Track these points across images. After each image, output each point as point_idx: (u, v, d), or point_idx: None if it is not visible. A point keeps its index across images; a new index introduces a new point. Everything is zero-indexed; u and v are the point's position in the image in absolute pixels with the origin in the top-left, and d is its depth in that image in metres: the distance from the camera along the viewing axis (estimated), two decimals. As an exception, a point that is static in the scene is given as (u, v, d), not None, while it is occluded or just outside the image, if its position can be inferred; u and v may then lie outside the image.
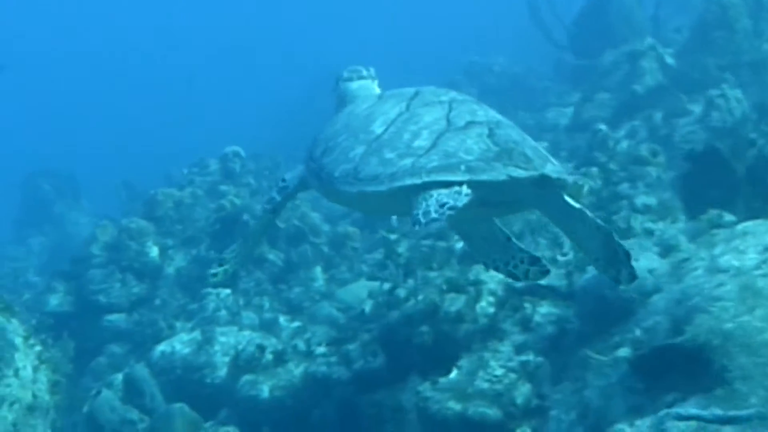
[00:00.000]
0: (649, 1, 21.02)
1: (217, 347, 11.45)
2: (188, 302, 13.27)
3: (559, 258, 9.48)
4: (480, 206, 5.82)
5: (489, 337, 8.80)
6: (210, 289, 12.92)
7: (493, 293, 9.16)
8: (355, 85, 7.41)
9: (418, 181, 5.57)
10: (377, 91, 7.40)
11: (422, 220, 5.33)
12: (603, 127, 12.19)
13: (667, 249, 8.63)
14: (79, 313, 13.33)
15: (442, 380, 8.41)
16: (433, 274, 9.54)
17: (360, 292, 12.67)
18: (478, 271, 9.32)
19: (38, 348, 9.01)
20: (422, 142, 5.82)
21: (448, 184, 5.50)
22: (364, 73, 7.53)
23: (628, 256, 5.88)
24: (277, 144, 25.80)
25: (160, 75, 52.25)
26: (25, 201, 29.15)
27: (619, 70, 16.16)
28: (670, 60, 15.54)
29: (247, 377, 10.38)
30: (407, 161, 5.69)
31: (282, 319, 12.58)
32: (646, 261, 8.21)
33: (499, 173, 5.55)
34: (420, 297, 9.07)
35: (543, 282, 8.95)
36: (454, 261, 9.91)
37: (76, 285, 13.64)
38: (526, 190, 5.76)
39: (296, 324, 12.35)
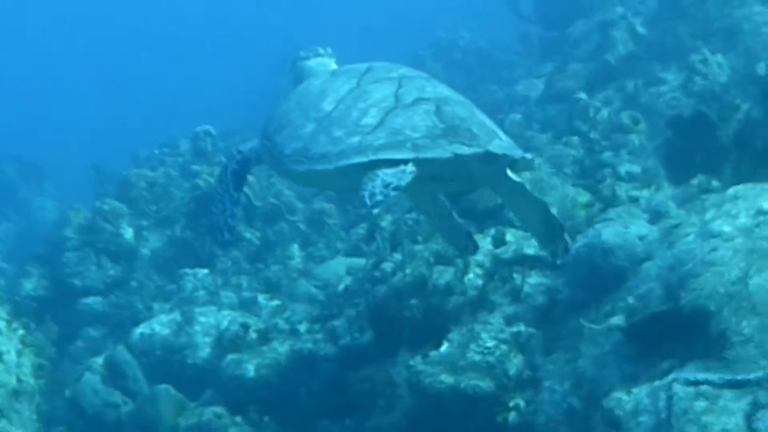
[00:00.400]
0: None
1: (197, 327, 11.35)
2: (165, 283, 13.16)
3: (546, 228, 9.41)
4: (431, 182, 5.97)
5: (479, 309, 8.71)
6: (187, 270, 12.85)
7: (480, 265, 9.07)
8: (312, 62, 7.52)
9: (364, 159, 5.71)
10: (333, 68, 7.45)
11: (368, 202, 5.45)
12: (583, 95, 12.17)
13: (656, 216, 8.55)
14: (55, 297, 13.14)
15: (433, 353, 8.31)
16: (419, 247, 9.43)
17: (338, 268, 12.62)
18: (465, 243, 9.22)
19: (21, 332, 8.93)
20: (370, 119, 5.92)
21: (394, 162, 5.63)
22: (321, 51, 7.64)
23: (562, 230, 6.30)
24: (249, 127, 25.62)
25: (127, 60, 51.67)
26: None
27: (590, 40, 16.07)
28: (641, 29, 15.47)
29: (231, 356, 10.24)
30: (354, 139, 5.82)
31: (261, 297, 12.49)
32: (635, 228, 8.11)
33: (444, 150, 5.67)
34: (408, 270, 8.96)
35: (530, 252, 8.94)
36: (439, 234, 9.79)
37: (51, 269, 13.45)
38: (474, 166, 5.89)
39: (275, 302, 12.22)
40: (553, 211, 6.99)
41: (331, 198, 14.27)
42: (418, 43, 27.48)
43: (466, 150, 5.71)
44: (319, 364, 9.60)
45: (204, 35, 53.83)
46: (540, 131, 15.13)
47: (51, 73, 51.36)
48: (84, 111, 43.59)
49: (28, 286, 13.16)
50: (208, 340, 11.21)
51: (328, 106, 6.25)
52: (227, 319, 11.42)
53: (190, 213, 13.51)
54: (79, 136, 38.54)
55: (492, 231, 9.43)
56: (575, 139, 10.81)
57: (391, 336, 9.12)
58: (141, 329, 11.61)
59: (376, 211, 5.62)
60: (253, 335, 10.45)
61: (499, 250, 9.17)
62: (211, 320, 11.45)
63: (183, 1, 57.81)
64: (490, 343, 8.28)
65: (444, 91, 6.32)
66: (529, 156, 6.11)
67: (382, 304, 9.16)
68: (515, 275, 8.80)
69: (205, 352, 11.09)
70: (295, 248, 13.42)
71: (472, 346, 8.31)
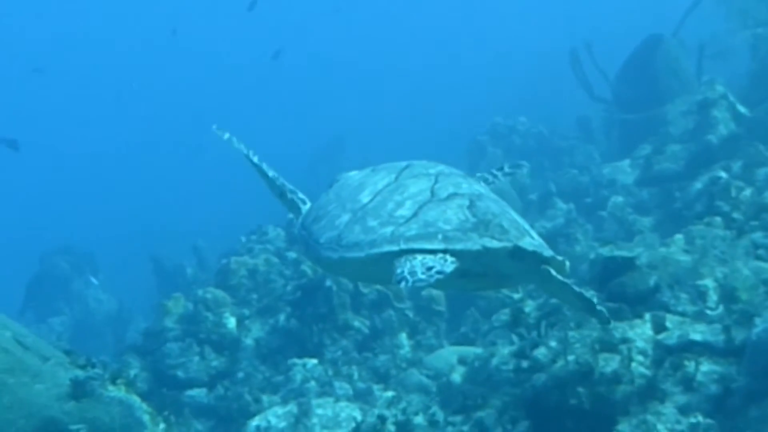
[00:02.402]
0: (691, 53, 20.81)
1: (314, 420, 10.96)
2: (272, 374, 12.68)
3: (709, 312, 9.02)
4: (461, 277, 5.90)
5: (648, 398, 8.31)
6: (296, 360, 12.44)
7: (642, 352, 8.67)
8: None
9: (395, 248, 5.74)
10: None
11: (409, 278, 5.45)
12: (723, 174, 11.78)
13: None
14: (156, 389, 12.70)
15: (606, 446, 7.87)
16: (572, 333, 9.00)
17: (449, 357, 12.25)
18: (623, 329, 8.82)
19: (163, 425, 8.49)
20: (404, 211, 5.98)
21: (425, 252, 5.68)
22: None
23: (594, 304, 6.11)
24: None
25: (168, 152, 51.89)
26: (41, 279, 28.40)
27: (688, 120, 15.79)
28: (742, 108, 15.18)
29: (370, 450, 9.76)
30: (388, 229, 5.86)
31: (375, 388, 12.02)
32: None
33: (474, 243, 5.70)
34: (571, 358, 8.53)
35: (697, 338, 8.54)
36: (593, 319, 9.36)
37: (152, 360, 13.04)
38: (503, 261, 5.86)
39: (390, 393, 11.78)
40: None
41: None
42: (475, 128, 27.23)
43: (495, 244, 5.70)
44: (467, 457, 9.11)
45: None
46: (636, 214, 14.81)
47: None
48: (132, 202, 43.53)
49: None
50: (326, 432, 10.79)
51: (365, 198, 6.30)
52: (344, 411, 10.97)
53: (295, 301, 13.11)
54: (133, 228, 38.36)
55: (647, 316, 9.01)
56: (718, 219, 10.42)
57: (549, 428, 8.65)
58: (256, 422, 11.23)
59: (420, 286, 5.47)
60: (390, 428, 9.96)
61: (661, 336, 8.76)
62: (329, 412, 11.06)
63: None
64: (668, 436, 7.86)
65: (479, 188, 6.33)
66: (560, 258, 5.95)
67: (541, 394, 8.70)
68: (686, 362, 8.37)
69: (323, 445, 10.65)
70: (403, 337, 13.00)
71: (649, 438, 7.88)
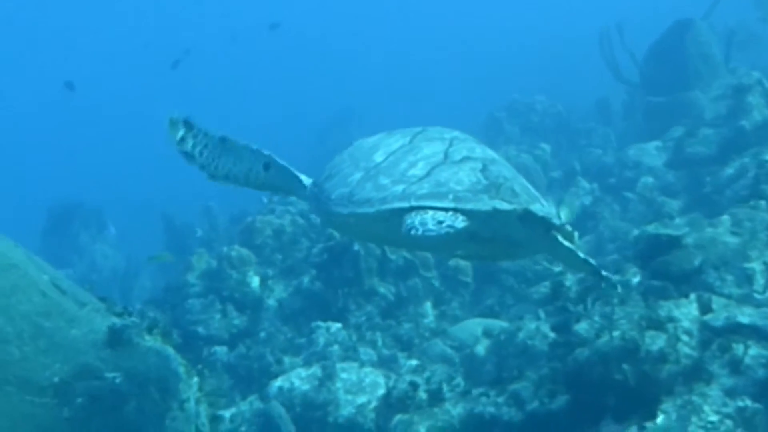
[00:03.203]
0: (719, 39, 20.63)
1: (338, 384, 10.82)
2: (294, 336, 12.52)
3: (756, 296, 8.86)
4: (470, 240, 5.98)
5: (694, 379, 8.13)
6: (320, 323, 12.26)
7: (688, 332, 8.50)
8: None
9: (405, 204, 5.81)
10: None
11: (419, 227, 5.55)
12: (768, 157, 11.63)
13: None
14: (176, 344, 12.51)
15: (649, 425, 7.75)
16: (616, 309, 8.83)
17: (474, 329, 12.11)
18: (669, 307, 8.66)
19: (196, 379, 8.32)
20: (417, 171, 6.04)
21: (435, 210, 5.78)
22: None
23: (600, 270, 6.28)
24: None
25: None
26: (49, 232, 28.23)
27: (721, 105, 15.60)
28: (778, 95, 15.00)
29: (400, 417, 9.60)
30: (399, 187, 5.93)
31: (400, 356, 11.88)
32: None
33: (484, 204, 5.75)
34: (616, 333, 8.35)
35: (744, 321, 8.39)
36: (636, 296, 9.19)
37: (172, 315, 12.86)
38: (513, 225, 5.91)
39: (414, 362, 11.63)
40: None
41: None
42: (492, 104, 27.02)
43: (506, 206, 5.74)
44: (503, 429, 8.94)
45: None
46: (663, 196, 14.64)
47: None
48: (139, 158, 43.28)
49: (149, 332, 12.53)
50: (350, 397, 10.65)
51: (378, 158, 6.37)
52: (369, 377, 10.89)
53: (321, 264, 12.92)
54: (140, 180, 38.14)
55: (693, 296, 8.84)
56: (763, 203, 10.25)
57: (590, 403, 8.49)
58: (279, 383, 11.08)
59: (429, 235, 5.56)
60: (422, 395, 9.82)
61: (707, 317, 8.59)
62: (353, 377, 10.92)
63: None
64: (713, 417, 7.75)
65: (492, 154, 6.39)
66: (569, 227, 6.07)
67: (583, 369, 8.52)
68: (734, 345, 8.20)
69: (347, 410, 10.54)
70: (428, 306, 12.83)
71: (694, 419, 7.78)
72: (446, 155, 6.16)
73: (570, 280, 9.77)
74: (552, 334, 10.30)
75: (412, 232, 5.53)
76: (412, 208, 5.74)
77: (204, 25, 58.84)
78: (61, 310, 7.98)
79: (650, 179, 15.36)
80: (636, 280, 9.52)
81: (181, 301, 12.97)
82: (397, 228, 5.72)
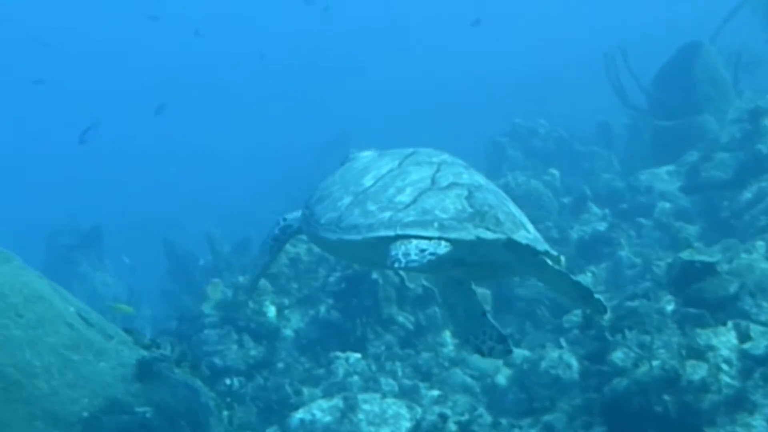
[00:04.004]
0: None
1: (361, 416, 10.61)
2: (313, 366, 12.29)
3: (800, 323, 8.70)
4: (457, 265, 6.14)
5: (737, 409, 7.97)
6: (338, 353, 12.05)
7: (727, 361, 8.34)
8: (363, 153, 7.77)
9: (391, 233, 5.95)
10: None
11: (402, 260, 5.68)
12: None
13: None
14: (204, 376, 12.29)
15: (693, 457, 7.54)
16: (647, 338, 8.67)
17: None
18: (707, 336, 8.49)
19: (226, 412, 8.16)
20: (404, 197, 6.16)
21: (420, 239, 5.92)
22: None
23: (592, 293, 6.18)
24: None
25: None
26: (49, 260, 27.94)
27: (736, 128, 15.46)
28: (793, 119, 14.85)
29: (430, 449, 9.41)
30: (386, 214, 6.07)
31: (421, 386, 11.67)
32: None
33: (468, 233, 5.86)
34: (656, 363, 8.18)
35: (788, 350, 8.25)
36: (672, 324, 9.02)
37: (187, 346, 12.60)
38: (498, 252, 6.03)
39: (435, 392, 11.44)
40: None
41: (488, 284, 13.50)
42: (495, 129, 26.93)
43: (489, 235, 5.89)
44: (538, 462, 8.77)
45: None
46: (709, 224, 14.46)
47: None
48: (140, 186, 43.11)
49: (164, 364, 12.29)
50: (373, 429, 10.47)
51: (367, 182, 6.51)
52: (392, 408, 10.72)
53: (339, 293, 12.70)
54: (139, 210, 37.94)
55: (730, 324, 8.68)
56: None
57: (627, 434, 8.32)
58: (300, 414, 10.86)
59: (413, 266, 5.71)
60: (452, 427, 9.63)
61: (746, 346, 8.43)
62: (376, 408, 10.72)
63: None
64: (759, 449, 7.54)
65: (479, 179, 6.53)
66: (554, 252, 6.14)
67: (622, 399, 8.35)
68: (779, 374, 8.05)
69: (370, 442, 10.32)
70: (447, 335, 12.61)
71: (739, 450, 7.56)
72: (433, 181, 6.30)
73: (602, 308, 9.58)
74: (576, 363, 10.16)
75: (396, 264, 5.69)
76: (397, 237, 5.88)
77: (201, 54, 58.68)
78: (88, 343, 7.80)
79: (667, 204, 15.19)
80: (670, 308, 9.34)
81: (196, 332, 12.73)
82: (384, 253, 5.87)
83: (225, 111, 56.93)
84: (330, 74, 57.01)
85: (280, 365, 12.38)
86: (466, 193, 6.17)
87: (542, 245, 6.09)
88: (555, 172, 19.33)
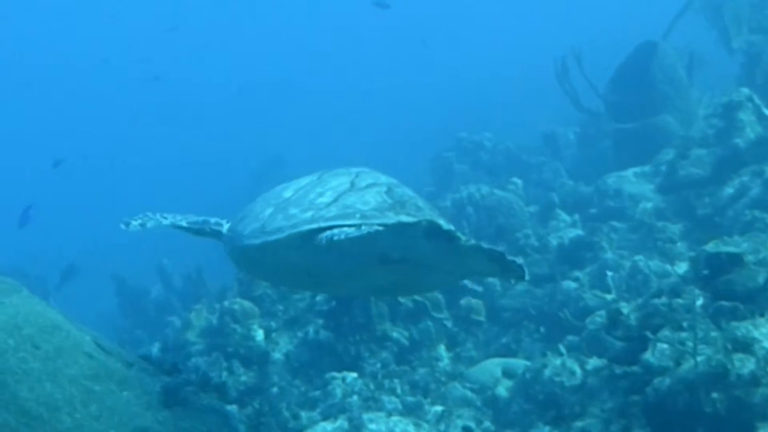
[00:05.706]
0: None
1: (368, 436, 10.17)
2: (307, 389, 11.83)
3: None
4: (380, 265, 6.30)
5: (788, 402, 7.66)
6: (334, 374, 11.62)
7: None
8: None
9: (315, 226, 6.19)
10: None
11: (325, 237, 5.94)
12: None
13: None
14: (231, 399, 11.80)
15: (750, 455, 7.25)
16: (684, 334, 8.36)
17: (493, 370, 11.70)
18: (747, 328, 8.21)
19: (254, 437, 7.72)
20: (325, 199, 6.43)
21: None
22: None
23: (504, 255, 6.27)
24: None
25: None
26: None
27: (710, 123, 15.32)
28: (767, 111, 14.70)
29: (454, 466, 9.03)
30: (308, 213, 6.31)
31: (424, 402, 11.30)
32: None
33: (390, 218, 6.09)
34: (700, 359, 7.87)
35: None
36: (705, 318, 8.71)
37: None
38: (421, 242, 6.18)
39: (438, 407, 11.10)
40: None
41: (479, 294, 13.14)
42: (439, 144, 26.68)
43: (411, 219, 6.11)
44: (576, 472, 8.42)
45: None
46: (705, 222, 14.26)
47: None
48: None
49: (151, 395, 11.76)
50: (381, 450, 10.08)
51: (287, 194, 6.81)
52: (399, 426, 10.36)
53: (329, 312, 12.25)
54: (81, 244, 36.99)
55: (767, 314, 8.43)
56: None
57: (676, 434, 7.99)
58: (303, 440, 10.41)
59: (344, 237, 5.88)
60: (473, 443, 9.28)
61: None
62: (382, 428, 10.34)
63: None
64: (818, 443, 7.28)
65: (396, 182, 6.79)
66: (472, 241, 6.29)
67: (666, 399, 8.02)
68: (826, 365, 7.79)
69: (384, 464, 9.96)
70: (442, 348, 12.25)
71: (797, 445, 7.29)
72: (352, 184, 6.59)
73: (627, 307, 9.31)
74: (579, 370, 9.93)
75: (322, 241, 5.92)
76: (321, 230, 6.12)
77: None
78: (109, 372, 7.32)
79: (649, 204, 14.98)
80: (699, 302, 9.04)
81: (183, 360, 12.18)
82: (311, 256, 6.17)
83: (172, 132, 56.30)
84: (265, 95, 56.48)
85: (274, 390, 11.92)
86: (385, 189, 6.46)
87: (461, 234, 6.26)
88: (518, 181, 19.05)
